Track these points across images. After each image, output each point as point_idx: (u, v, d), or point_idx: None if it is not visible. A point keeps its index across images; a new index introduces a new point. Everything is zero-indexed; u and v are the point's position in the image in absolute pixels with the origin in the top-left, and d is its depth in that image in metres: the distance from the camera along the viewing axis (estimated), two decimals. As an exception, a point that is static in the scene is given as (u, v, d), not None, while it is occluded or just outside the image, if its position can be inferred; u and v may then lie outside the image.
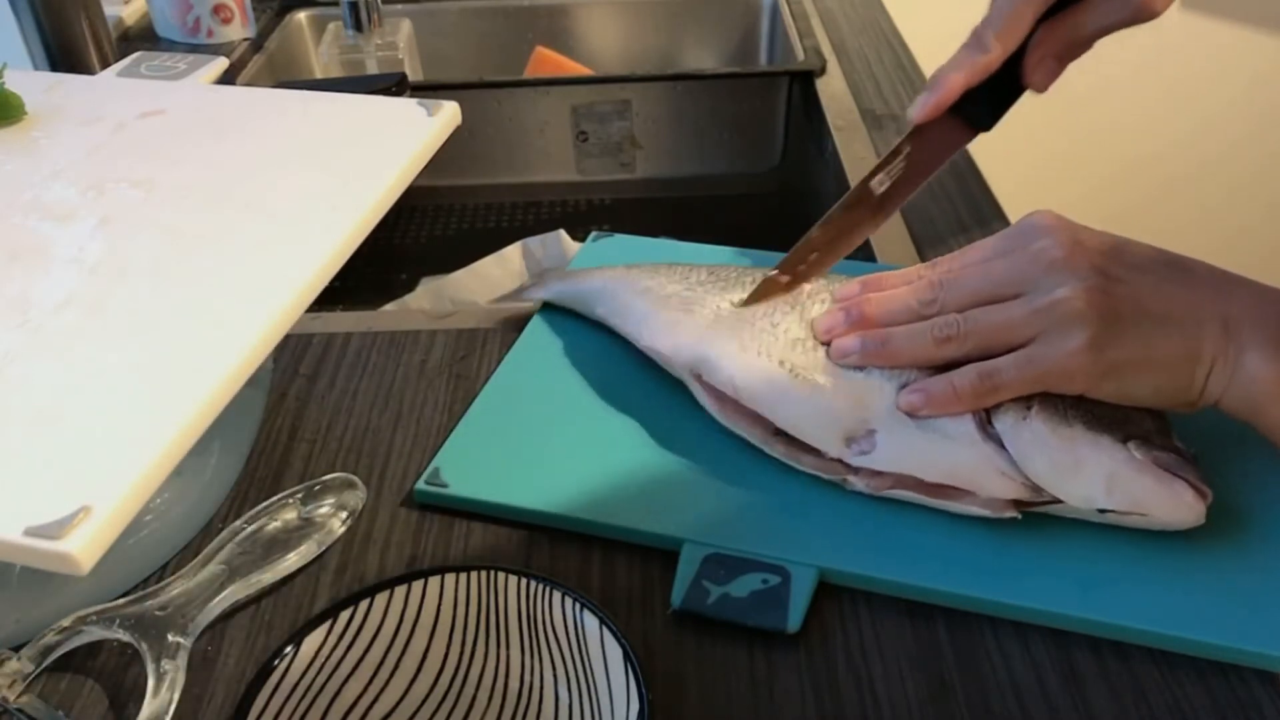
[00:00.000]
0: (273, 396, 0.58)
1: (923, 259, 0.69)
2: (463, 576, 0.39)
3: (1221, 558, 0.46)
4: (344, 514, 0.49)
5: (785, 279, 0.55)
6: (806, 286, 0.55)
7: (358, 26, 1.03)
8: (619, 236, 0.70)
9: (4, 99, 0.56)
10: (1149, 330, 0.46)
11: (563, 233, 0.85)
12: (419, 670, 0.40)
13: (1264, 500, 0.48)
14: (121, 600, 0.44)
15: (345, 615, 0.38)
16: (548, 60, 1.12)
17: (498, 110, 1.03)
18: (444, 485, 0.50)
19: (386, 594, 0.39)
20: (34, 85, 0.58)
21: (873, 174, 0.55)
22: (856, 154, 0.85)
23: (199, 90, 0.66)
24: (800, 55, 1.04)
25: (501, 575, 0.39)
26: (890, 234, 0.72)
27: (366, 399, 0.58)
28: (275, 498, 0.49)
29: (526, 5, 1.19)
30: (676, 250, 0.68)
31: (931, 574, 0.45)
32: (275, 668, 0.36)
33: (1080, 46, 0.53)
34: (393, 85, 0.88)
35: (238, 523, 0.47)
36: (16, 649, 0.41)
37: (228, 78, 0.95)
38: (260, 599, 0.46)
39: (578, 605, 0.38)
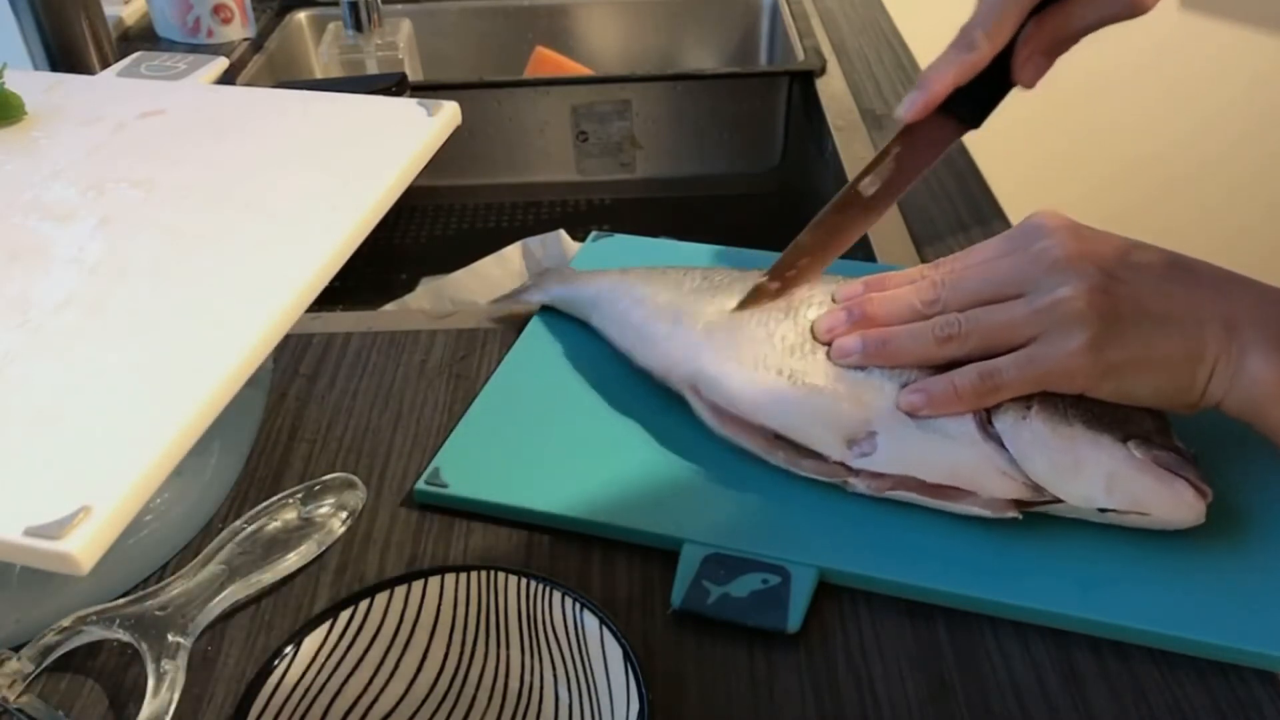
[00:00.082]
0: (273, 396, 0.58)
1: (923, 259, 0.69)
2: (463, 576, 0.39)
3: (1221, 558, 0.46)
4: (344, 514, 0.49)
5: (775, 285, 0.55)
6: (798, 292, 0.55)
7: (358, 26, 1.03)
8: (619, 236, 0.70)
9: (4, 99, 0.56)
10: (1150, 330, 0.46)
11: (563, 233, 0.85)
12: (419, 670, 0.40)
13: (1264, 500, 0.48)
14: (121, 600, 0.44)
15: (345, 615, 0.38)
16: (548, 60, 1.12)
17: (498, 110, 1.03)
18: (444, 485, 0.50)
19: (386, 594, 0.39)
20: (34, 85, 0.58)
21: (862, 176, 0.55)
22: (856, 154, 0.85)
23: (199, 90, 0.66)
24: (800, 55, 1.04)
25: (501, 575, 0.39)
26: (890, 234, 0.72)
27: (366, 399, 0.58)
28: (275, 498, 0.49)
29: (526, 5, 1.19)
30: (676, 250, 0.68)
31: (931, 574, 0.45)
32: (275, 668, 0.36)
33: (1069, 42, 0.53)
34: (393, 85, 0.88)
35: (238, 523, 0.47)
36: (16, 649, 0.41)
37: (228, 78, 0.95)
38: (260, 599, 0.46)
39: (578, 605, 0.38)
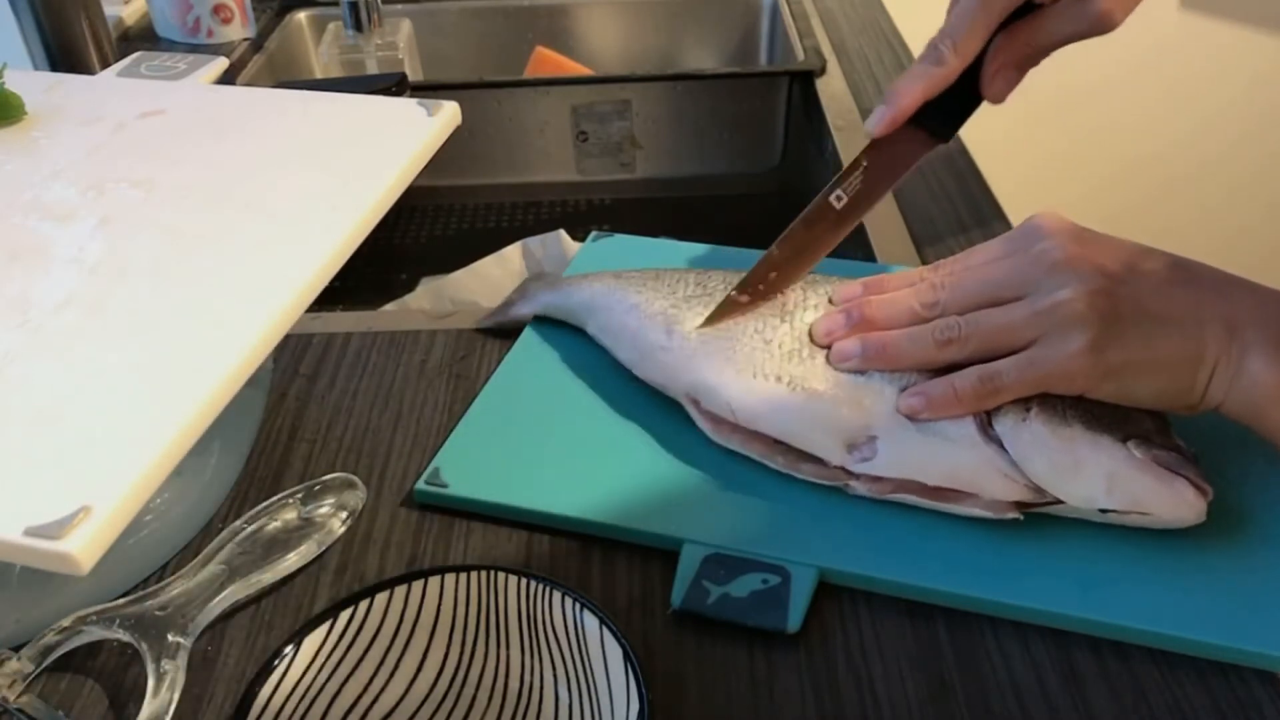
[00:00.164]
0: (273, 396, 0.58)
1: (922, 259, 0.69)
2: (463, 576, 0.39)
3: (1221, 558, 0.46)
4: (344, 514, 0.49)
5: (745, 298, 0.54)
6: (791, 296, 0.55)
7: (358, 26, 1.03)
8: (619, 236, 0.70)
9: (4, 99, 0.56)
10: (1150, 332, 0.46)
11: (563, 233, 0.85)
12: (419, 670, 0.40)
13: (1264, 500, 0.48)
14: (121, 600, 0.44)
15: (345, 615, 0.38)
16: (548, 60, 1.12)
17: (498, 110, 1.03)
18: (444, 485, 0.50)
19: (386, 594, 0.39)
20: (34, 85, 0.58)
21: (831, 188, 0.55)
22: (856, 154, 0.84)
23: (199, 90, 0.66)
24: (800, 55, 1.04)
25: (501, 575, 0.39)
26: (890, 234, 0.72)
27: (366, 399, 0.58)
28: (275, 498, 0.49)
29: (526, 5, 1.19)
30: (676, 250, 0.68)
31: (931, 574, 0.45)
32: (275, 668, 0.36)
33: (1037, 56, 0.53)
34: (393, 85, 0.88)
35: (238, 523, 0.47)
36: (16, 649, 0.41)
37: (228, 78, 0.95)
38: (260, 599, 0.46)
39: (578, 605, 0.38)
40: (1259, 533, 0.47)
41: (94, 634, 0.43)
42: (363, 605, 0.38)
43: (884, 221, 0.73)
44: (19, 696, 0.41)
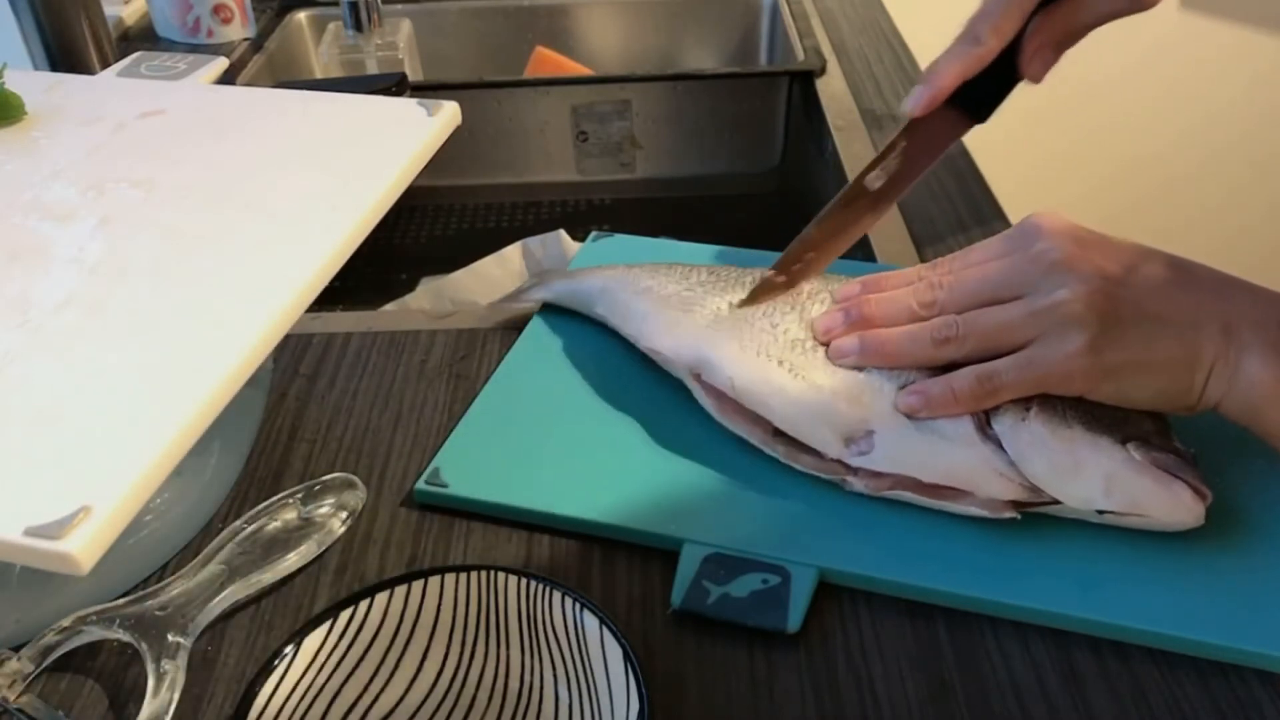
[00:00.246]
0: (273, 396, 0.58)
1: (922, 259, 0.69)
2: (463, 576, 0.39)
3: (1221, 558, 0.46)
4: (344, 514, 0.49)
5: (782, 279, 0.55)
6: (805, 286, 0.55)
7: (358, 26, 1.03)
8: (619, 236, 0.70)
9: (4, 99, 0.56)
10: (1148, 333, 0.46)
11: (563, 233, 0.85)
12: (419, 670, 0.40)
13: (1264, 500, 0.48)
14: (121, 600, 0.44)
15: (345, 615, 0.38)
16: (548, 60, 1.12)
17: (498, 110, 1.03)
18: (444, 485, 0.50)
19: (386, 594, 0.39)
20: (34, 85, 0.58)
21: (868, 170, 0.55)
22: (856, 154, 0.85)
23: (199, 90, 0.66)
24: (800, 55, 1.04)
25: (501, 575, 0.39)
26: (890, 233, 0.72)
27: (366, 399, 0.58)
28: (275, 498, 0.49)
29: (526, 5, 1.19)
30: (676, 250, 0.68)
31: (931, 574, 0.45)
32: (275, 668, 0.36)
33: (1076, 35, 0.53)
34: (393, 85, 0.89)
35: (238, 523, 0.47)
36: (16, 649, 0.41)
37: (228, 78, 0.95)
38: (260, 599, 0.46)
39: (578, 605, 0.38)
40: (1259, 533, 0.47)
41: (94, 634, 0.43)
42: (363, 605, 0.38)
43: (884, 221, 0.73)
44: (19, 696, 0.41)
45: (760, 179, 1.08)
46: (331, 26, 1.06)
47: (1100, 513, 0.46)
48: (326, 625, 0.38)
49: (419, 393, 0.58)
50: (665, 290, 0.57)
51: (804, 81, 1.00)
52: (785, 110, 1.04)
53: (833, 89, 0.97)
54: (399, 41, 1.04)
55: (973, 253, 0.52)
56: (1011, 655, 0.43)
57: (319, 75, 1.11)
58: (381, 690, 0.40)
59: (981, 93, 0.54)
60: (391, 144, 0.53)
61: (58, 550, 0.32)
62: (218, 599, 0.44)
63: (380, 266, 0.99)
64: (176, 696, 0.41)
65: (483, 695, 0.41)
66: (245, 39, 1.09)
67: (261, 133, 0.55)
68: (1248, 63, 1.83)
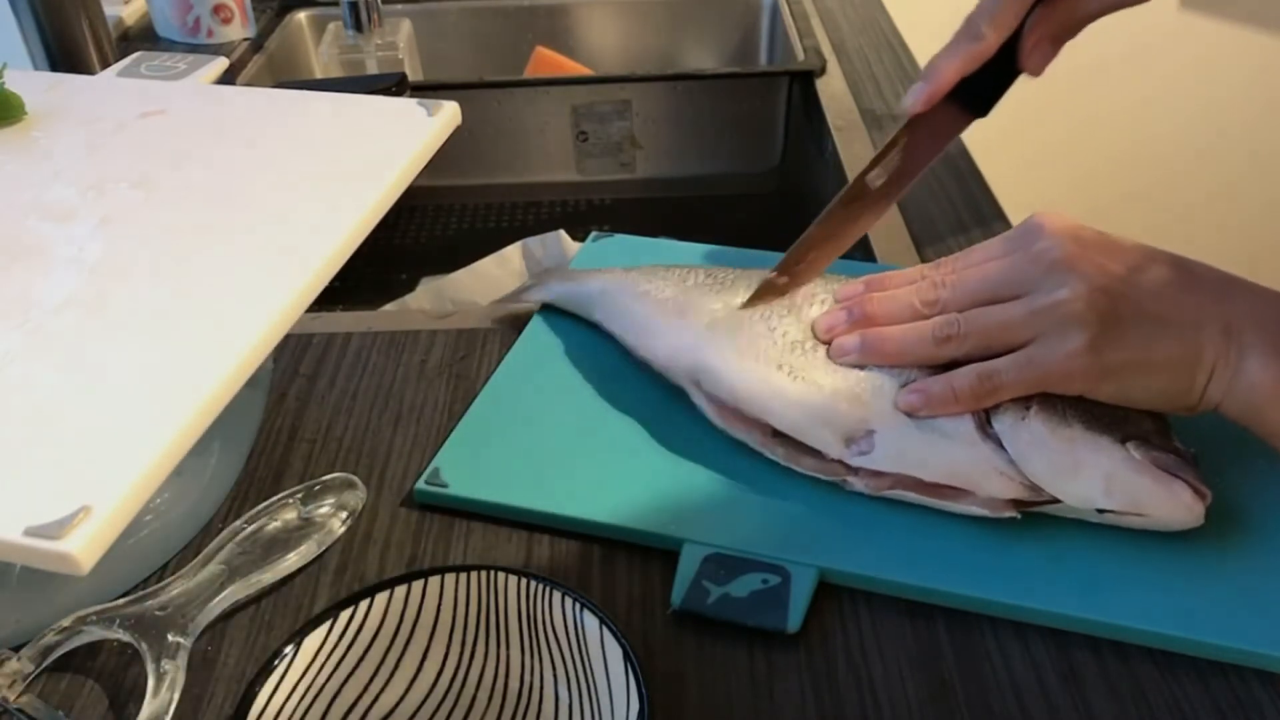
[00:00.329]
0: (273, 396, 0.58)
1: (923, 259, 0.69)
2: (463, 576, 0.39)
3: (1221, 558, 0.46)
4: (344, 514, 0.49)
5: (784, 280, 0.55)
6: (802, 289, 0.55)
7: (358, 26, 1.03)
8: (619, 236, 0.70)
9: (4, 99, 0.56)
10: (1149, 333, 0.46)
11: (563, 233, 0.85)
12: (419, 670, 0.40)
13: (1264, 500, 0.48)
14: (121, 600, 0.44)
15: (345, 615, 0.38)
16: (548, 60, 1.12)
17: (498, 110, 1.03)
18: (444, 485, 0.50)
19: (386, 594, 0.39)
20: (34, 85, 0.58)
21: (869, 168, 0.55)
22: (856, 154, 0.85)
23: (199, 90, 0.66)
24: (800, 55, 1.04)
25: (501, 575, 0.39)
26: (890, 233, 0.72)
27: (366, 399, 0.58)
28: (275, 498, 0.49)
29: (526, 5, 1.19)
30: (677, 250, 0.68)
31: (931, 574, 0.45)
32: (275, 668, 0.36)
33: (1075, 28, 0.53)
34: (393, 85, 0.88)
35: (238, 523, 0.47)
36: (16, 649, 0.41)
37: (228, 78, 0.95)
38: (260, 599, 0.46)
39: (578, 605, 0.38)
40: (1259, 533, 0.47)
41: (94, 634, 0.43)
42: (363, 605, 0.38)
43: (884, 221, 0.73)
44: (19, 696, 0.41)
45: (760, 179, 1.08)
46: (331, 26, 1.06)
47: (1100, 512, 0.46)
48: (326, 625, 0.38)
49: (419, 393, 0.58)
50: (662, 295, 0.57)
51: (804, 81, 1.00)
52: (785, 110, 1.04)
53: (833, 89, 0.97)
54: (399, 41, 1.04)
55: (975, 252, 0.52)
56: (1011, 655, 0.43)
57: (319, 75, 1.11)
58: (381, 690, 0.40)
59: (981, 87, 0.54)
60: (391, 144, 0.53)
61: (58, 550, 0.32)
62: (218, 599, 0.44)
63: (380, 266, 0.99)
64: (176, 696, 0.41)
65: (483, 695, 0.41)
66: (245, 39, 1.09)
67: (261, 133, 0.55)
68: (1247, 62, 1.83)
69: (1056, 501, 0.46)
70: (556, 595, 0.38)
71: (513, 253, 0.85)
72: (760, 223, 1.07)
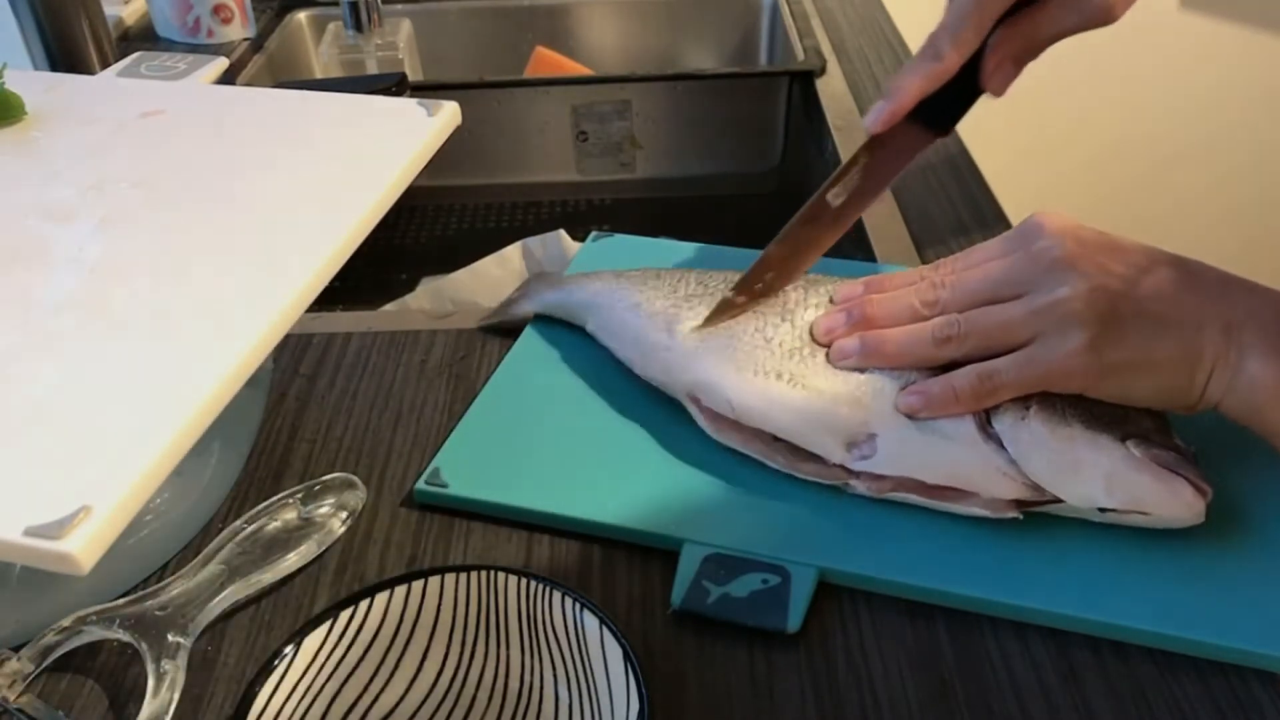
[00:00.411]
0: (273, 396, 0.58)
1: (922, 259, 0.69)
2: (463, 576, 0.39)
3: (1221, 558, 0.46)
4: (344, 514, 0.49)
5: (742, 299, 0.54)
6: (792, 294, 0.55)
7: (358, 26, 1.03)
8: (619, 236, 0.70)
9: (4, 99, 0.56)
10: (1149, 332, 0.46)
11: (563, 233, 0.85)
12: (419, 670, 0.40)
13: (1264, 500, 0.48)
14: (121, 600, 0.44)
15: (345, 615, 0.38)
16: (548, 60, 1.12)
17: (498, 110, 1.03)
18: (444, 485, 0.50)
19: (386, 594, 0.39)
20: (34, 85, 0.58)
21: (829, 186, 0.55)
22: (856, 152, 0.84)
23: (199, 90, 0.66)
24: (800, 55, 1.04)
25: (501, 575, 0.39)
26: (890, 234, 0.72)
27: (366, 399, 0.58)
28: (275, 498, 0.49)
29: (526, 5, 1.19)
30: (677, 250, 0.68)
31: (931, 574, 0.45)
32: (275, 668, 0.36)
33: (1037, 49, 0.53)
34: (393, 85, 0.88)
35: (238, 523, 0.47)
36: (16, 649, 0.41)
37: (228, 78, 0.95)
38: (260, 599, 0.46)
39: (578, 605, 0.38)
40: (1259, 533, 0.47)
41: (94, 634, 0.43)
42: (363, 605, 0.38)
43: (884, 222, 0.73)
44: (19, 696, 0.41)
45: (760, 179, 1.08)
46: (331, 26, 1.06)
47: (1102, 511, 0.46)
48: (326, 625, 0.38)
49: (419, 393, 0.58)
50: (653, 306, 0.56)
51: (804, 81, 1.00)
52: (785, 110, 1.04)
53: (833, 89, 0.97)
54: (399, 41, 1.04)
55: (975, 253, 0.52)
56: (1011, 655, 0.43)
57: (319, 75, 1.11)
58: (381, 690, 0.40)
59: (943, 107, 0.53)
60: (391, 144, 0.53)
61: (58, 550, 0.32)
62: (218, 599, 0.44)
63: (380, 266, 0.99)
64: (176, 696, 0.41)
65: (483, 695, 0.41)
66: (245, 39, 1.09)
67: (261, 133, 0.55)
68: (1247, 62, 1.83)
69: (1058, 501, 0.46)
70: (556, 595, 0.38)
71: (513, 253, 0.85)
72: (760, 223, 1.06)
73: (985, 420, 0.48)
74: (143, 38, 1.11)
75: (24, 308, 0.42)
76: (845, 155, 0.85)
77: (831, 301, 0.54)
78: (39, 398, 0.38)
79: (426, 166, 0.53)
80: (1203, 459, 0.46)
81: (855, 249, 0.73)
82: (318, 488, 0.50)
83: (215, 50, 1.02)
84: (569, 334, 0.60)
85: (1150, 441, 0.46)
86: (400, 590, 0.39)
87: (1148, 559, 0.46)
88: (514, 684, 0.41)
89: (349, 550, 0.49)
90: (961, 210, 0.75)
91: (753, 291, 0.54)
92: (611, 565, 0.47)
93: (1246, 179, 1.88)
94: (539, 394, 0.56)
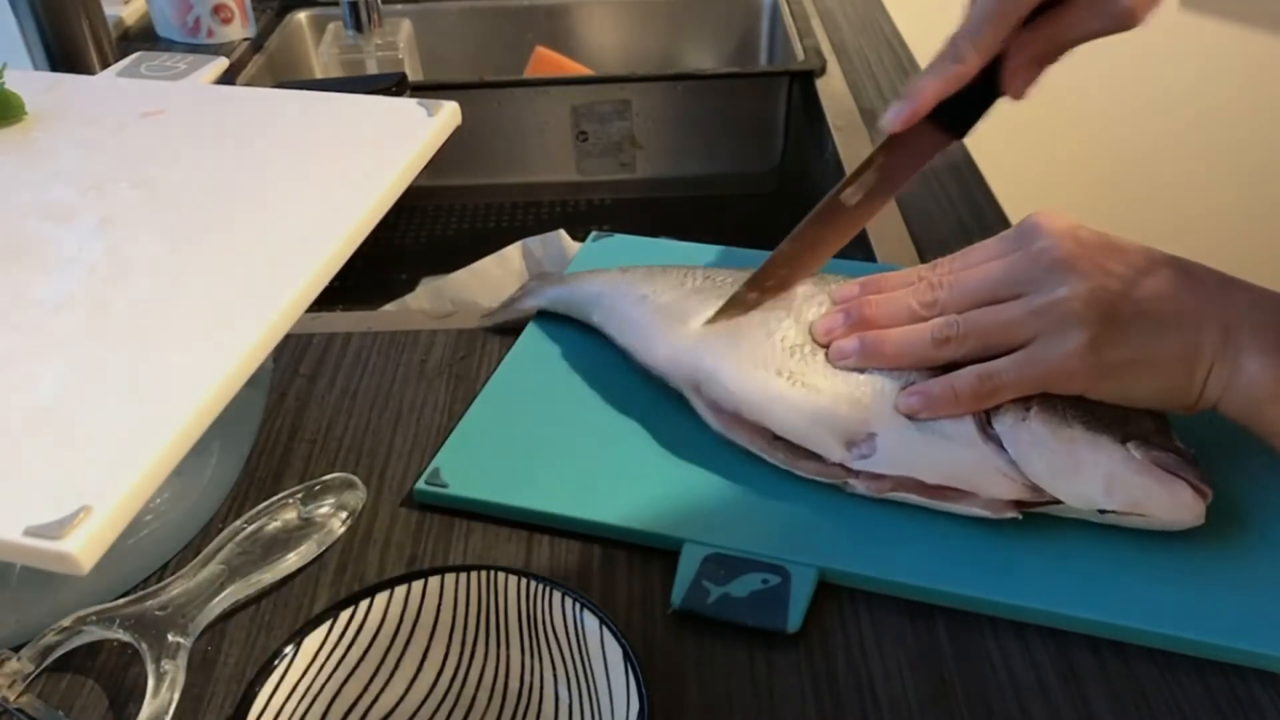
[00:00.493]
0: (273, 396, 0.58)
1: (923, 260, 0.69)
2: (463, 576, 0.39)
3: (1221, 558, 0.46)
4: (344, 514, 0.49)
5: (754, 295, 0.54)
6: (799, 291, 0.55)
7: (358, 26, 1.03)
8: (619, 236, 0.70)
9: (4, 99, 0.56)
10: (1148, 332, 0.46)
11: (563, 233, 0.85)
12: (419, 670, 0.40)
13: (1264, 500, 0.48)
14: (121, 600, 0.44)
15: (345, 615, 0.38)
16: (548, 60, 1.12)
17: (498, 110, 1.03)
18: (444, 485, 0.50)
19: (386, 594, 0.39)
20: (34, 85, 0.58)
21: (844, 185, 0.55)
22: (856, 154, 0.85)
23: (199, 90, 0.66)
24: (800, 55, 1.04)
25: (501, 575, 0.39)
26: (890, 234, 0.72)
27: (366, 399, 0.58)
28: (275, 498, 0.49)
29: (526, 5, 1.19)
30: (676, 250, 0.68)
31: (931, 574, 0.45)
32: (275, 668, 0.36)
33: (1058, 52, 0.53)
34: (393, 85, 0.89)
35: (238, 523, 0.47)
36: (16, 649, 0.41)
37: (228, 78, 0.95)
38: (260, 599, 0.46)
39: (578, 605, 0.38)
40: (1259, 533, 0.47)
41: (94, 634, 0.43)
42: (363, 605, 0.38)
43: (884, 222, 0.73)
44: (19, 696, 0.41)
45: (760, 179, 1.08)
46: (331, 26, 1.06)
47: (1101, 512, 0.46)
48: (326, 625, 0.38)
49: (419, 393, 0.58)
50: (660, 299, 0.56)
51: (804, 81, 1.00)
52: (785, 110, 1.04)
53: (833, 89, 0.97)
54: (399, 41, 1.04)
55: (973, 252, 0.52)
56: (1011, 655, 0.43)
57: (319, 75, 1.11)
58: (381, 690, 0.40)
59: (961, 109, 0.53)
60: (391, 144, 0.53)
61: (58, 550, 0.32)
62: (218, 599, 0.44)
63: (380, 266, 0.99)
64: (176, 696, 0.41)
65: (483, 695, 0.41)
66: (245, 39, 1.09)
67: (261, 133, 0.55)
68: (1248, 63, 1.83)
69: (1057, 502, 0.46)
70: (556, 595, 0.38)
71: (513, 253, 0.85)
72: (760, 223, 1.07)
73: (985, 421, 0.48)
74: (143, 38, 1.11)
75: (24, 308, 0.42)
76: (845, 155, 0.85)
77: (831, 302, 0.54)
78: (39, 398, 0.38)
79: (426, 166, 0.53)
80: (1202, 459, 0.46)
81: (855, 249, 0.73)
82: (318, 488, 0.50)
83: (215, 50, 1.02)
84: (570, 334, 0.60)
85: (1151, 443, 0.46)
86: (400, 590, 0.39)
87: (1148, 559, 0.46)
88: (514, 684, 0.41)
89: (349, 550, 0.49)
90: (961, 211, 0.75)
91: (764, 288, 0.55)
92: (611, 565, 0.47)
93: (1246, 179, 1.88)
94: (539, 394, 0.56)
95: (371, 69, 1.04)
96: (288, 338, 0.48)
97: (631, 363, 0.57)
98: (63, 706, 0.42)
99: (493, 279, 0.83)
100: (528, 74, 1.13)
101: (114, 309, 0.42)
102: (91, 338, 0.41)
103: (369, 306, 0.82)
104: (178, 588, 0.44)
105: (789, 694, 0.42)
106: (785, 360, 0.51)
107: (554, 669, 0.40)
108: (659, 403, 0.54)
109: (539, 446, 0.52)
